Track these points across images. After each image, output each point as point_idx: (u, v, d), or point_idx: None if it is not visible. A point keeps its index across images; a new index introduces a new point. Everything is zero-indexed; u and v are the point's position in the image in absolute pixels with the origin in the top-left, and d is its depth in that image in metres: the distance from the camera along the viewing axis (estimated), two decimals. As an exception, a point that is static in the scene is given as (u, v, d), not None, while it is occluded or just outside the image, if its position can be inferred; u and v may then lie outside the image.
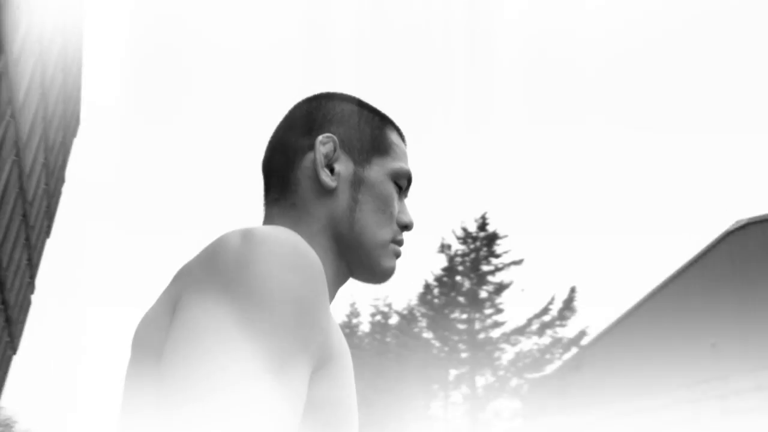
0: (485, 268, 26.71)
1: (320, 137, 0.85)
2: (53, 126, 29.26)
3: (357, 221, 0.85)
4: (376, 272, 0.87)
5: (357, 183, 0.87)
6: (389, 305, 38.11)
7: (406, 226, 0.90)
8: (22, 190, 25.06)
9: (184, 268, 0.69)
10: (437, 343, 27.09)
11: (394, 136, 0.91)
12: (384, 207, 0.87)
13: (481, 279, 26.50)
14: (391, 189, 0.88)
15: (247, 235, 0.65)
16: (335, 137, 0.86)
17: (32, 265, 32.14)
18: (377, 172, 0.88)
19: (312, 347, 0.63)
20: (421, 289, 28.57)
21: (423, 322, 28.16)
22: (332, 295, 0.87)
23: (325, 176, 0.85)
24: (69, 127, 34.50)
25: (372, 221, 0.86)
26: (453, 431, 27.39)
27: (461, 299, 26.73)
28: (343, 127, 0.88)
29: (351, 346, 42.03)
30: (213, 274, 0.63)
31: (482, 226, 27.26)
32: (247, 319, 0.60)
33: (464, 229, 27.42)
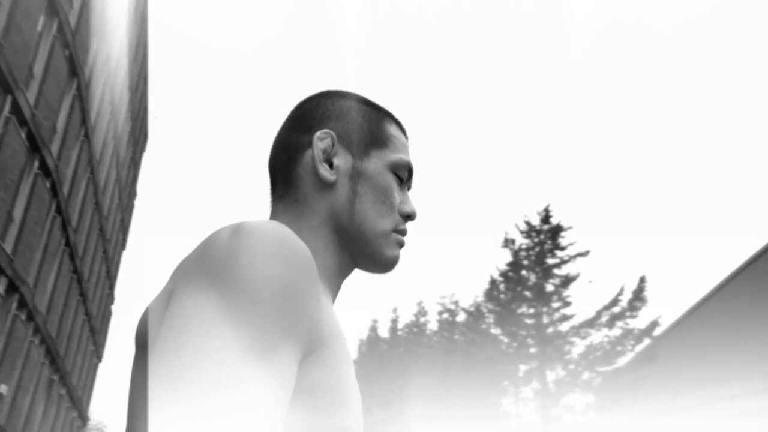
0: (550, 261, 26.40)
1: (318, 133, 0.88)
2: (123, 143, 30.48)
3: (357, 213, 0.88)
4: (379, 262, 0.89)
5: (356, 176, 0.89)
6: (456, 303, 38.07)
7: (409, 216, 0.92)
8: (97, 206, 26.24)
9: (180, 262, 0.71)
10: (505, 339, 26.92)
11: (392, 129, 0.93)
12: (384, 198, 0.89)
13: (546, 272, 26.20)
14: (391, 180, 0.90)
15: (236, 228, 0.68)
16: (333, 133, 0.89)
17: (110, 277, 33.53)
18: (375, 164, 0.90)
19: (299, 334, 0.65)
20: (486, 285, 28.45)
21: (490, 319, 28.02)
22: (336, 286, 0.89)
23: (324, 170, 0.87)
24: (138, 143, 35.85)
25: (372, 212, 0.88)
26: (526, 427, 27.17)
27: (528, 293, 26.49)
28: (342, 123, 0.91)
29: (419, 344, 42.04)
30: (202, 267, 0.65)
31: (546, 218, 26.95)
32: (233, 308, 0.62)
33: (527, 223, 27.16)
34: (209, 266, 0.65)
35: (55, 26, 16.62)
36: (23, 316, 17.89)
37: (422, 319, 44.64)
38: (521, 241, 27.48)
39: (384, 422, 41.87)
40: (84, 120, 21.12)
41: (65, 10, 16.96)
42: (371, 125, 0.92)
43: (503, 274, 27.58)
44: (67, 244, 21.98)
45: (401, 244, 0.90)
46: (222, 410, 0.57)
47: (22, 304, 17.58)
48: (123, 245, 37.17)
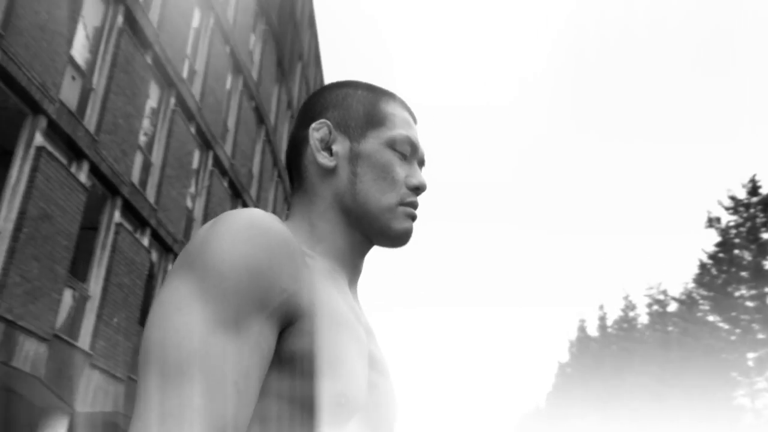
0: (766, 235, 24.05)
1: (313, 124, 0.93)
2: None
3: (359, 192, 0.91)
4: (390, 235, 0.92)
5: (354, 158, 0.92)
6: (665, 292, 35.75)
7: (417, 188, 0.94)
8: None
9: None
10: (725, 326, 24.83)
11: (390, 107, 0.96)
12: (384, 174, 0.91)
13: (762, 249, 23.87)
14: (389, 156, 0.92)
15: (215, 219, 0.75)
16: (328, 121, 0.94)
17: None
18: (372, 143, 0.93)
19: (271, 306, 0.71)
20: (696, 270, 26.52)
21: (705, 305, 26.04)
22: (351, 264, 0.93)
23: (322, 158, 0.92)
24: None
25: (373, 189, 0.91)
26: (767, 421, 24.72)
27: (744, 274, 24.28)
28: (339, 110, 0.95)
29: (631, 340, 39.83)
30: (183, 257, 0.72)
31: (753, 190, 24.60)
32: (202, 288, 0.68)
33: (732, 198, 24.95)
34: (188, 255, 0.72)
35: (240, 83, 18.39)
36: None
37: (631, 314, 42.42)
38: (728, 218, 25.37)
39: (601, 424, 40.14)
40: (275, 162, 23.00)
41: (247, 66, 18.72)
42: (366, 107, 0.95)
43: (713, 256, 25.55)
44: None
45: (411, 216, 0.93)
46: (188, 377, 0.64)
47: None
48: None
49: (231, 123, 17.92)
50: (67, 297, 10.52)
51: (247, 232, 0.72)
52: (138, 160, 12.68)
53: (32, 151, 9.35)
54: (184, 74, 14.65)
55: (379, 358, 0.89)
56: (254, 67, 20.06)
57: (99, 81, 11.24)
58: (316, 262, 0.84)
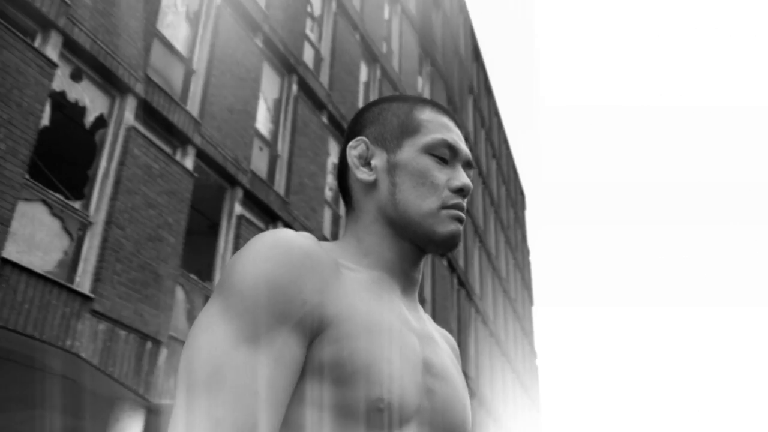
0: None
1: (351, 143, 0.96)
2: (503, 206, 32.36)
3: (399, 201, 0.91)
4: (436, 240, 0.91)
5: (392, 168, 0.93)
6: None
7: (460, 190, 0.92)
8: (495, 270, 28.08)
9: None
10: None
11: (424, 115, 0.96)
12: (422, 180, 0.91)
13: None
14: (426, 162, 0.92)
15: (246, 243, 0.80)
16: (365, 138, 0.96)
17: (526, 333, 35.00)
18: (408, 151, 0.93)
19: (294, 318, 0.74)
20: None
21: None
22: (402, 273, 0.93)
23: (361, 173, 0.94)
24: (516, 203, 37.64)
25: (413, 197, 0.91)
26: None
27: None
28: (375, 126, 0.97)
29: None
30: (218, 281, 0.79)
31: None
32: (227, 306, 0.73)
33: None
34: (220, 279, 0.78)
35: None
36: (457, 383, 19.78)
37: None
38: None
39: None
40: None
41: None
42: (400, 118, 0.96)
43: None
44: (477, 311, 23.89)
45: (456, 218, 0.92)
46: (213, 391, 0.68)
47: (453, 372, 19.48)
48: (530, 301, 38.75)
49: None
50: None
51: (269, 251, 0.76)
52: (327, 214, 13.45)
53: (234, 220, 10.32)
54: (360, 127, 15.40)
55: (438, 364, 0.88)
56: (426, 108, 20.57)
57: (283, 147, 12.19)
58: (358, 274, 0.86)
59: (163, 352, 8.42)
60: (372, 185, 0.95)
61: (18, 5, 7.38)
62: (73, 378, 7.92)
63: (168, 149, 9.40)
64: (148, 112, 9.02)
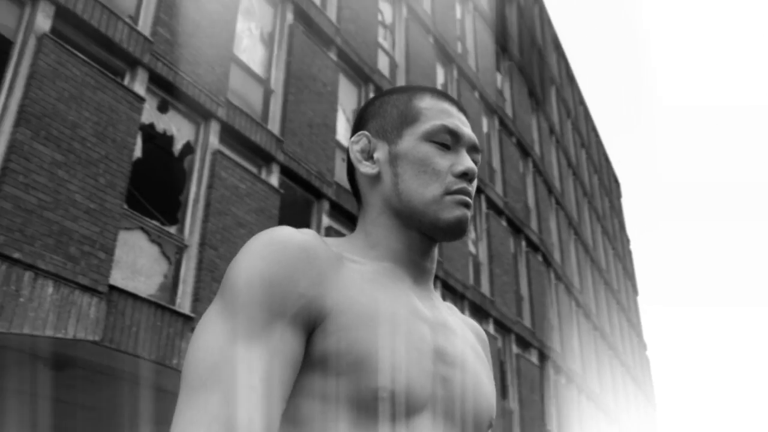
0: None
1: (352, 138, 0.96)
2: (596, 196, 31.42)
3: (402, 191, 0.90)
4: (441, 227, 0.89)
5: (394, 159, 0.92)
6: None
7: (465, 174, 0.91)
8: (594, 262, 27.28)
9: None
10: None
11: (423, 102, 0.95)
12: (423, 167, 0.90)
13: None
14: (427, 149, 0.91)
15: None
16: (367, 132, 0.96)
17: (633, 325, 33.80)
18: (408, 141, 0.92)
19: (290, 312, 0.75)
20: None
21: None
22: (412, 263, 0.92)
23: (363, 167, 0.94)
24: (611, 191, 36.46)
25: (414, 185, 0.90)
26: None
27: None
28: (375, 120, 0.96)
29: None
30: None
31: None
32: (225, 305, 0.75)
33: None
34: (222, 281, 0.80)
35: (496, 122, 18.73)
36: (563, 380, 19.36)
37: None
38: None
39: None
40: (550, 191, 22.72)
41: (500, 105, 19.04)
42: (399, 108, 0.95)
43: None
44: (578, 305, 23.27)
45: (462, 203, 0.90)
46: (208, 387, 0.69)
47: (557, 370, 19.09)
48: (635, 291, 37.38)
49: (496, 163, 18.24)
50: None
51: (264, 250, 0.78)
52: (415, 219, 13.49)
53: (322, 233, 10.52)
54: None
55: (452, 353, 0.87)
56: (506, 104, 20.31)
57: (365, 156, 12.33)
58: (363, 266, 0.86)
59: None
60: (376, 178, 0.94)
61: (108, 47, 7.84)
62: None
63: (253, 169, 9.70)
64: (231, 135, 9.36)
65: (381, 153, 0.94)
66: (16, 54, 6.90)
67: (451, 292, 14.07)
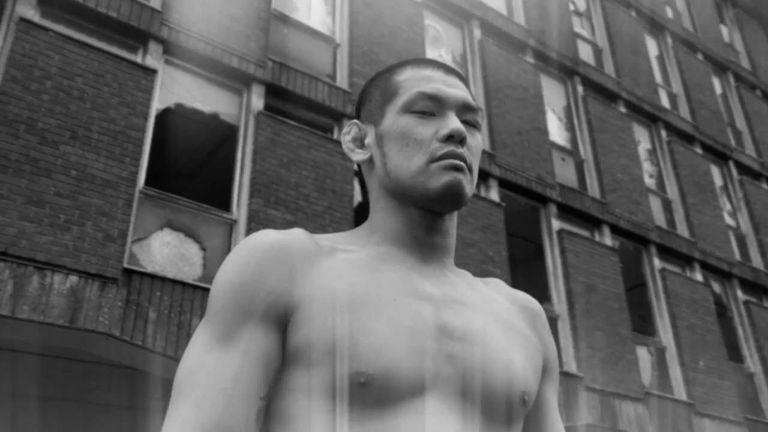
0: None
1: (344, 129, 0.97)
2: None
3: (390, 170, 0.89)
4: (432, 196, 0.86)
5: (380, 140, 0.91)
6: None
7: (450, 137, 0.86)
8: None
9: None
10: None
11: (402, 75, 0.92)
12: (405, 140, 0.87)
13: None
14: (406, 121, 0.88)
15: None
16: (356, 120, 0.96)
17: None
18: (389, 117, 0.90)
19: (259, 311, 0.77)
20: None
21: None
22: (416, 241, 0.89)
23: (355, 155, 0.94)
24: None
25: (399, 160, 0.87)
26: None
27: None
28: (364, 106, 0.96)
29: None
30: None
31: None
32: (207, 312, 0.80)
33: None
34: None
35: (731, 78, 16.88)
36: None
37: None
38: None
39: None
40: None
41: (733, 59, 17.16)
42: (381, 88, 0.94)
43: None
44: None
45: (452, 167, 0.85)
46: (184, 394, 0.73)
47: None
48: None
49: (741, 124, 16.38)
50: (643, 354, 10.72)
51: (235, 255, 0.81)
52: (654, 202, 12.58)
53: (554, 237, 10.26)
54: (665, 103, 14.27)
55: (459, 327, 0.82)
56: (740, 56, 18.22)
57: (585, 151, 11.84)
58: (353, 255, 0.85)
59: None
60: (370, 163, 0.94)
61: (313, 108, 8.56)
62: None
63: (471, 188, 9.81)
64: (443, 161, 9.58)
65: (370, 137, 0.94)
66: (241, 135, 7.82)
67: (714, 272, 12.78)
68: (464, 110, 0.90)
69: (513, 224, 10.55)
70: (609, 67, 13.53)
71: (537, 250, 11.37)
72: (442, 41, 10.93)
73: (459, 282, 0.91)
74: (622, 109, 13.02)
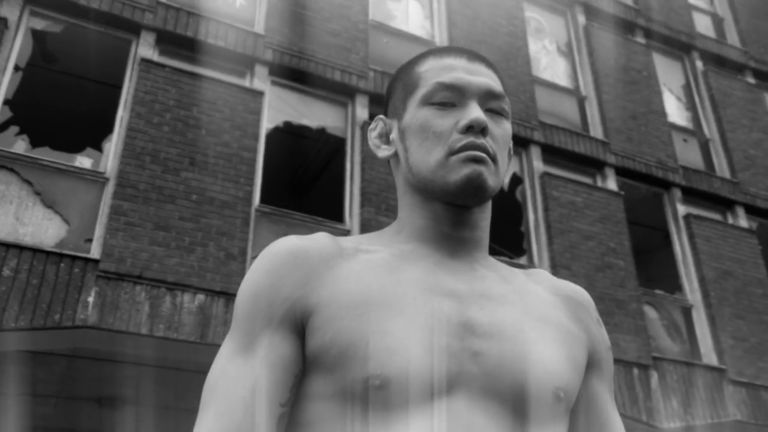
0: None
1: (369, 127, 0.95)
2: None
3: (412, 165, 0.86)
4: (452, 191, 0.83)
5: (402, 135, 0.89)
6: None
7: (470, 127, 0.82)
8: None
9: None
10: None
11: (423, 67, 0.89)
12: (424, 134, 0.85)
13: None
14: (425, 114, 0.85)
15: None
16: (382, 116, 0.94)
17: None
18: (410, 111, 0.88)
19: (276, 318, 0.77)
20: None
21: None
22: (442, 236, 0.86)
23: (381, 151, 0.92)
24: None
25: (420, 155, 0.85)
26: None
27: None
28: (390, 101, 0.94)
29: None
30: None
31: None
32: (232, 323, 0.80)
33: None
34: None
35: None
36: None
37: None
38: None
39: None
40: None
41: None
42: (403, 82, 0.91)
43: None
44: None
45: (472, 159, 0.82)
46: (207, 404, 0.74)
47: None
48: None
49: None
50: (794, 342, 9.89)
51: (256, 264, 0.81)
52: (795, 178, 11.60)
53: (681, 222, 9.71)
54: (799, 69, 13.15)
55: (486, 323, 0.79)
56: None
57: (710, 129, 11.13)
58: (375, 255, 0.84)
59: (654, 375, 8.20)
60: (396, 159, 0.92)
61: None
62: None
63: (585, 179, 9.49)
64: (554, 154, 9.33)
65: (394, 132, 0.91)
66: (348, 146, 7.98)
67: None
68: (488, 98, 0.86)
69: (635, 213, 10.08)
70: (732, 37, 12.66)
71: (664, 238, 10.80)
72: (544, 32, 10.66)
73: (490, 275, 0.87)
74: (751, 80, 12.13)
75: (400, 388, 0.72)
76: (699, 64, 11.64)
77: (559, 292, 0.91)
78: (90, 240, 6.20)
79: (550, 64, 10.43)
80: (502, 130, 0.87)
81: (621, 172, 9.68)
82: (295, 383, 0.76)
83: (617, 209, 9.16)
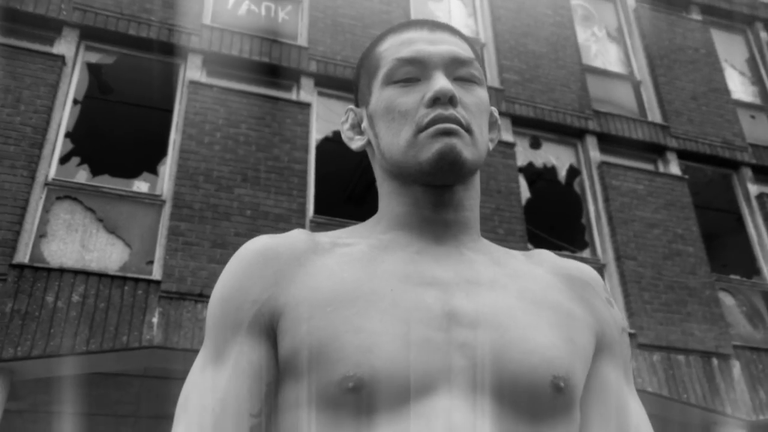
0: None
1: (341, 120, 0.90)
2: None
3: (384, 150, 0.81)
4: (426, 169, 0.77)
5: (371, 121, 0.84)
6: None
7: (436, 99, 0.76)
8: None
9: None
10: None
11: (383, 46, 0.84)
12: (390, 116, 0.80)
13: None
14: (389, 93, 0.80)
15: None
16: (351, 106, 0.89)
17: None
18: (375, 95, 0.83)
19: (245, 322, 0.72)
20: None
21: None
22: (423, 220, 0.81)
23: (354, 143, 0.87)
24: None
25: (389, 138, 0.80)
26: None
27: None
28: (357, 89, 0.89)
29: None
30: None
31: None
32: (205, 333, 0.77)
33: None
34: None
35: None
36: None
37: None
38: None
39: None
40: None
41: None
42: (365, 66, 0.86)
43: None
44: None
45: (441, 132, 0.75)
46: (179, 417, 0.71)
47: None
48: None
49: None
50: None
51: (226, 268, 0.77)
52: None
53: (754, 203, 9.27)
54: None
55: (471, 311, 0.72)
56: None
57: (778, 103, 10.61)
58: (353, 248, 0.79)
59: (735, 365, 7.82)
60: (370, 148, 0.87)
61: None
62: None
63: (646, 166, 9.17)
64: (612, 143, 9.05)
65: (364, 120, 0.86)
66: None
67: None
68: (455, 66, 0.80)
69: (702, 197, 9.68)
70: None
71: (736, 221, 10.34)
72: (593, 19, 10.38)
73: (479, 259, 0.80)
74: (817, 50, 11.50)
75: (376, 390, 0.66)
76: (764, 34, 11.11)
77: (561, 272, 0.84)
78: (151, 262, 6.35)
79: (600, 51, 10.15)
80: (475, 98, 0.81)
81: (684, 155, 9.31)
82: (268, 391, 0.72)
83: (682, 194, 8.81)
